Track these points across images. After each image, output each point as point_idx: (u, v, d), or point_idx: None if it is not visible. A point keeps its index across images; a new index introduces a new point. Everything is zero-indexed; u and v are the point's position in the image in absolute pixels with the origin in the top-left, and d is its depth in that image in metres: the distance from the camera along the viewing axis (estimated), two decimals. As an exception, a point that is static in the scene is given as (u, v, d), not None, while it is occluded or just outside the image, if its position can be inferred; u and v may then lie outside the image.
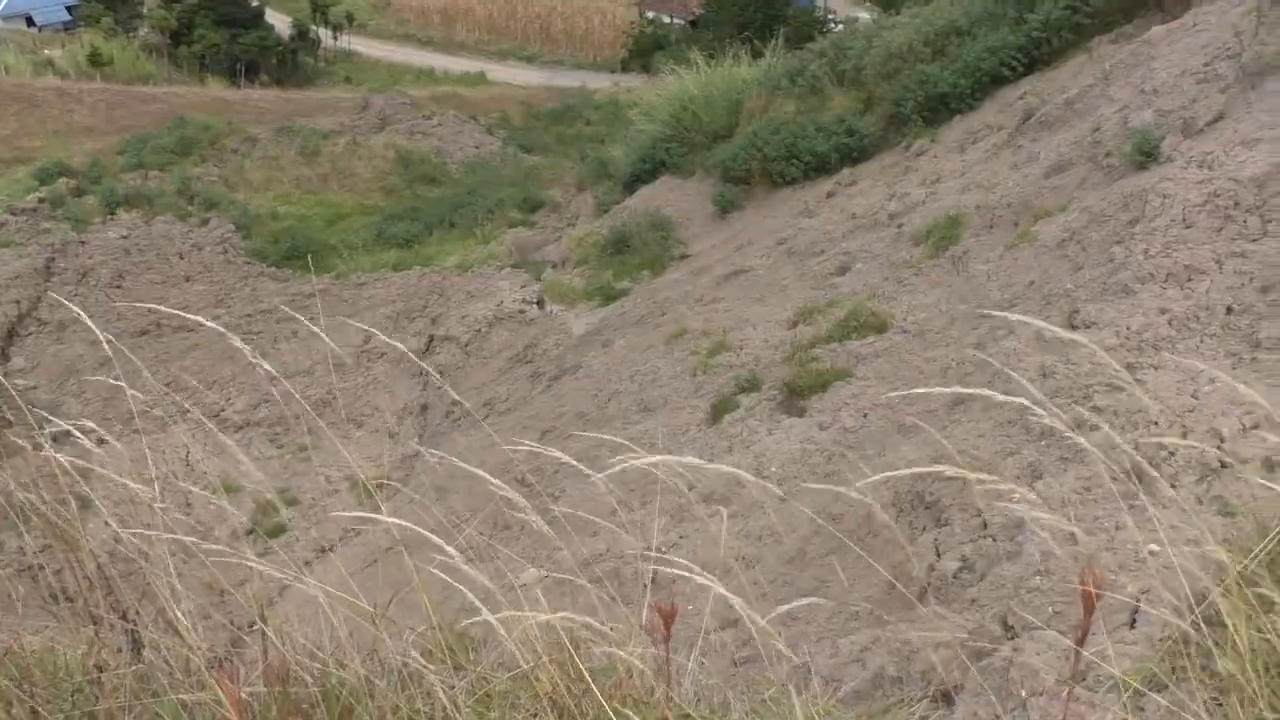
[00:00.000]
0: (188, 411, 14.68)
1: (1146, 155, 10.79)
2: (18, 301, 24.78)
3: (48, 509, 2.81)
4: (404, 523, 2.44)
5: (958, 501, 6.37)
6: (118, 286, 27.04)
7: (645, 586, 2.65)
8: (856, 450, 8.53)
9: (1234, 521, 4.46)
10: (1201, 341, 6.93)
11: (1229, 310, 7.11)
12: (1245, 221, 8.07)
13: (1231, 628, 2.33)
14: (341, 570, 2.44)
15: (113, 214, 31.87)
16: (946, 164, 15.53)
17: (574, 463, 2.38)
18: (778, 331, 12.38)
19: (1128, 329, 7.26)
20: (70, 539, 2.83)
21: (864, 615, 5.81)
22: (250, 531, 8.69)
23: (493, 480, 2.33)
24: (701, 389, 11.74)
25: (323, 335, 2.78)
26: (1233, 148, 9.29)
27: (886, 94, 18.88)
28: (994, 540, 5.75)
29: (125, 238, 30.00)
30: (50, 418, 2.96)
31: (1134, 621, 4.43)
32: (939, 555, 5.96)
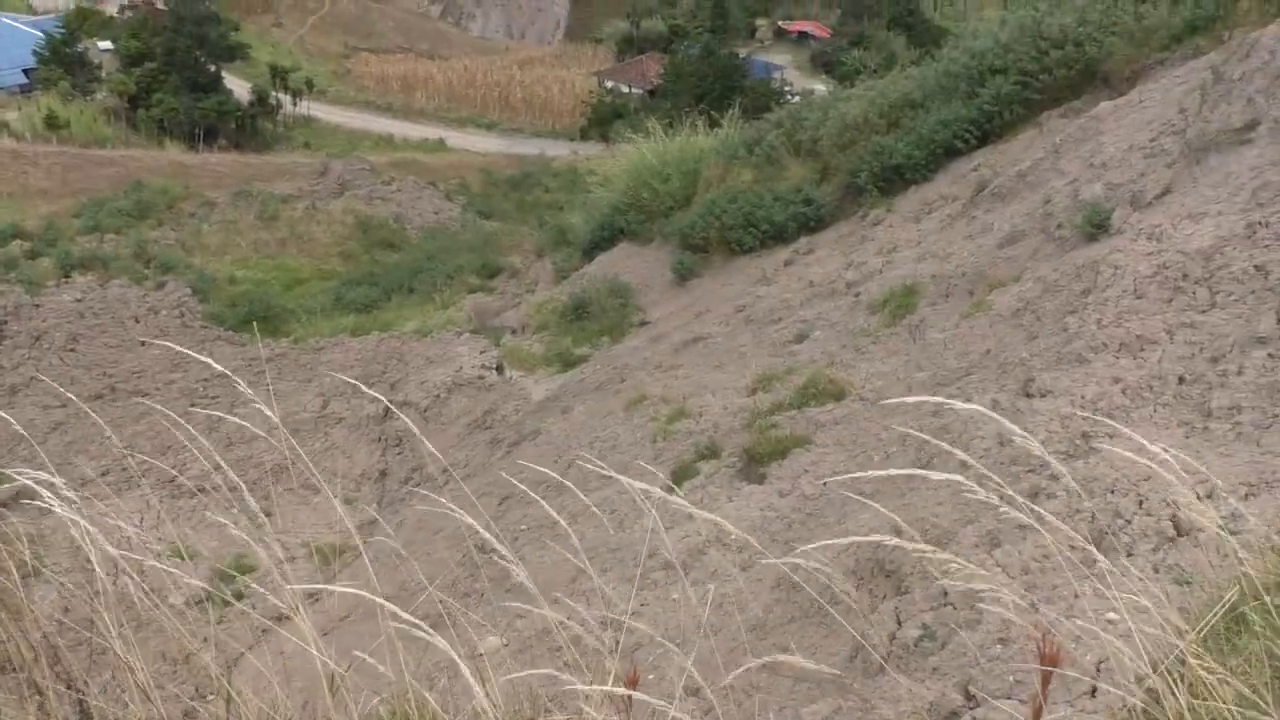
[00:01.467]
0: (142, 477, 14.46)
1: (1097, 227, 10.97)
2: (-32, 365, 24.45)
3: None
4: (360, 591, 2.40)
5: (918, 570, 6.36)
6: (71, 350, 26.73)
7: (608, 654, 2.62)
8: (816, 518, 8.52)
9: (1189, 590, 4.49)
10: (1155, 410, 7.00)
11: (1181, 380, 7.20)
12: (1194, 293, 8.20)
13: (1170, 706, 2.34)
14: (302, 636, 2.40)
15: (67, 277, 31.58)
16: (902, 234, 15.72)
17: (555, 515, 2.36)
18: (737, 399, 12.40)
19: (1083, 398, 7.33)
20: (13, 607, 2.77)
21: (826, 684, 5.77)
22: (205, 599, 8.54)
23: (483, 529, 2.31)
24: (661, 455, 11.71)
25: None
26: (1180, 221, 9.46)
27: (842, 164, 19.12)
28: (954, 608, 5.75)
29: (80, 301, 29.70)
30: (5, 471, 2.90)
31: (1094, 691, 4.42)
32: (900, 624, 5.94)
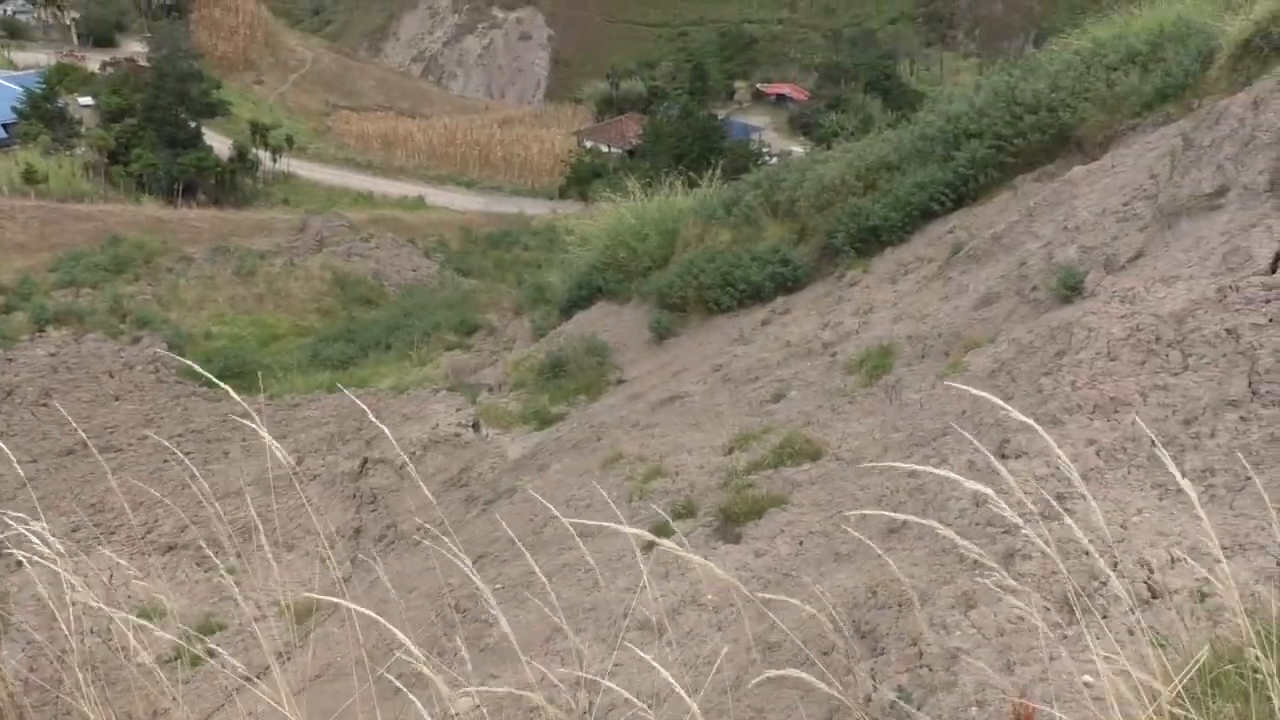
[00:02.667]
0: (113, 533, 14.33)
1: (1071, 290, 11.07)
2: (-61, 419, 24.25)
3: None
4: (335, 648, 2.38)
5: (893, 630, 6.35)
6: (43, 405, 26.54)
7: (580, 716, 2.61)
8: (792, 578, 8.50)
9: (1164, 653, 4.48)
10: (1129, 472, 7.04)
11: (1154, 443, 7.24)
12: (1167, 355, 8.27)
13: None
14: (276, 695, 2.38)
15: (42, 331, 31.45)
16: (878, 294, 15.81)
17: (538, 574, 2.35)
18: (713, 458, 12.39)
19: (1057, 460, 7.36)
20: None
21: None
22: (175, 658, 8.43)
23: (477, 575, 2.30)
24: (637, 515, 11.67)
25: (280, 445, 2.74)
26: (1153, 284, 9.56)
27: (819, 225, 19.23)
28: (930, 670, 5.73)
29: (54, 355, 29.55)
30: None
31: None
32: (876, 685, 5.92)
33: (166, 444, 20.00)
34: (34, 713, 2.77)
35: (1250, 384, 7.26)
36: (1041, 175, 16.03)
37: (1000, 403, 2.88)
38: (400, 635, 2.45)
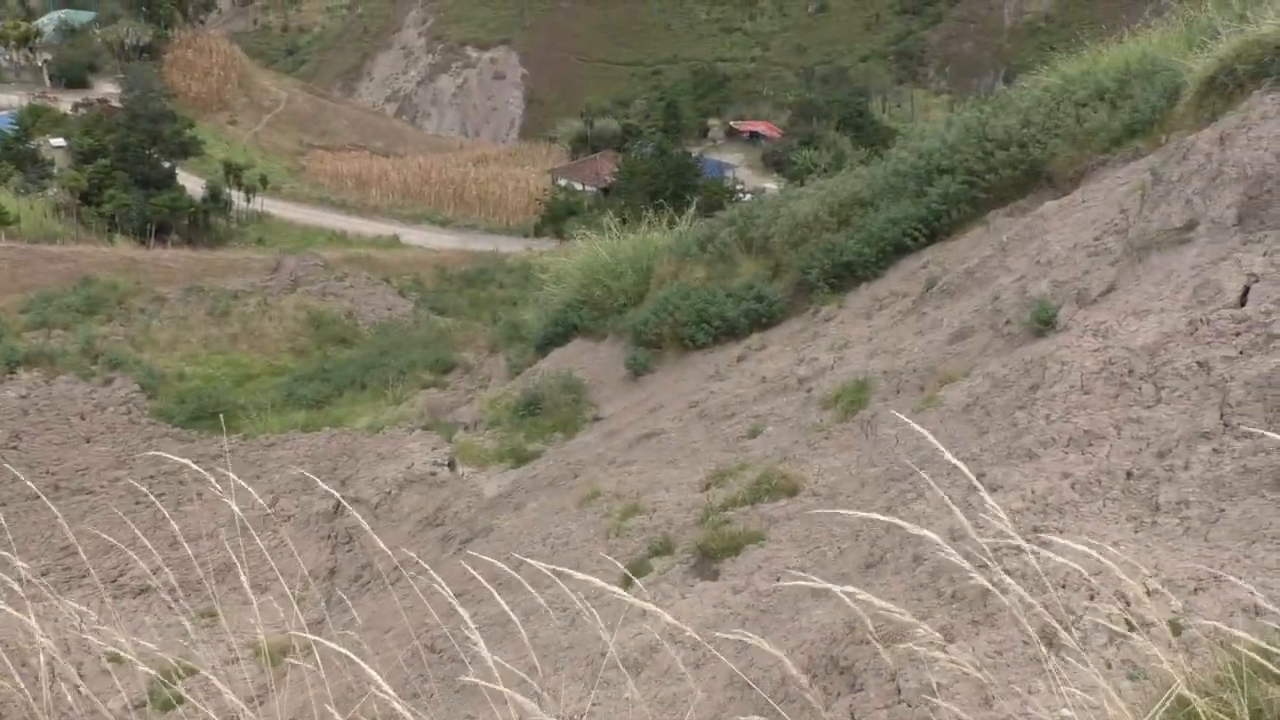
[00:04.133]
0: (84, 577, 14.17)
1: (1044, 324, 11.13)
2: (-93, 462, 23.97)
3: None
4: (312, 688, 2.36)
5: (871, 666, 6.33)
6: (13, 448, 26.31)
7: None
8: (770, 614, 8.48)
9: (1141, 685, 4.49)
10: (1104, 505, 7.06)
11: (1129, 475, 7.27)
12: (1140, 389, 8.32)
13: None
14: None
15: (12, 373, 31.18)
16: (853, 330, 15.86)
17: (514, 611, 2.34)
18: (690, 494, 12.38)
19: (1033, 492, 7.38)
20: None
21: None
22: (145, 703, 8.32)
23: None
24: (614, 552, 11.64)
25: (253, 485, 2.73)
26: (1125, 318, 9.63)
27: (794, 261, 19.29)
28: (909, 705, 5.71)
29: (24, 397, 29.31)
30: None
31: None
32: (854, 722, 5.90)
33: (139, 486, 19.84)
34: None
35: (1222, 416, 7.31)
36: (1014, 210, 16.15)
37: (939, 446, 2.90)
38: (374, 675, 2.43)
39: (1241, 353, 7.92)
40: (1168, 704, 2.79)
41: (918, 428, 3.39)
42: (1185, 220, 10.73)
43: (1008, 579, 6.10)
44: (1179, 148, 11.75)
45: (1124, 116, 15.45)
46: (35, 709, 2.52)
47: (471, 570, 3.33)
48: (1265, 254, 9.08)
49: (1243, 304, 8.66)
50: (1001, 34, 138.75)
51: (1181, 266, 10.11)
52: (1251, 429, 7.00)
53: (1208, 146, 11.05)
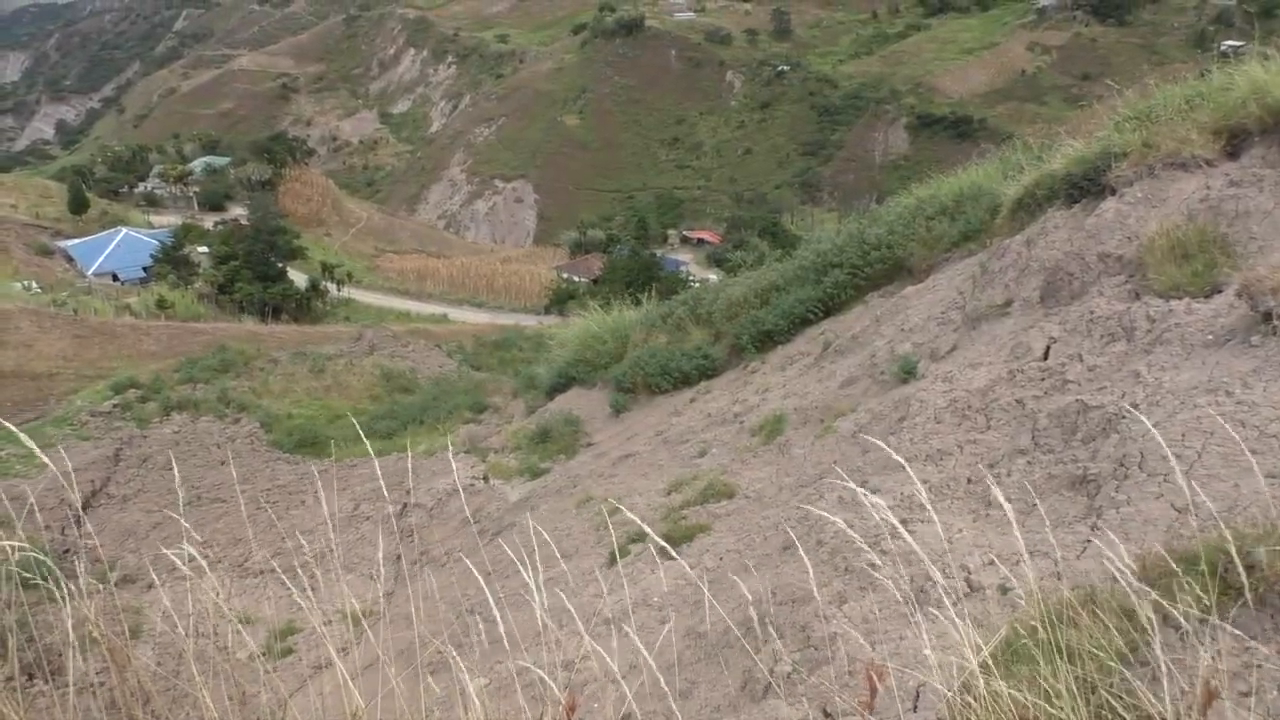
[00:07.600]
0: (218, 563, 13.95)
1: (908, 373, 11.19)
2: (93, 480, 23.68)
3: (105, 640, 2.65)
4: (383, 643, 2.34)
5: (789, 620, 6.30)
6: (169, 469, 25.96)
7: (560, 689, 2.57)
8: (716, 584, 8.43)
9: (982, 631, 4.49)
10: (952, 503, 7.08)
11: (969, 480, 7.30)
12: (976, 419, 8.37)
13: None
14: (337, 680, 2.33)
15: (168, 415, 30.85)
16: (772, 379, 15.89)
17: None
18: (657, 498, 12.32)
19: (901, 494, 7.40)
20: (120, 662, 2.66)
21: (724, 708, 5.64)
22: (264, 653, 8.17)
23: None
24: (602, 541, 11.56)
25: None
26: (964, 369, 9.71)
27: (730, 330, 19.35)
28: (816, 649, 5.69)
29: (176, 433, 28.99)
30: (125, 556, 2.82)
31: (916, 706, 4.38)
32: (777, 661, 5.86)
33: (259, 496, 19.59)
34: (159, 696, 2.69)
35: (1033, 438, 7.37)
36: (885, 293, 16.27)
37: (834, 462, 2.92)
38: (425, 633, 2.42)
39: (1046, 393, 8.00)
40: (999, 641, 2.80)
41: (819, 449, 3.41)
42: (1004, 299, 10.85)
43: (884, 557, 6.11)
44: (999, 248, 11.91)
45: (960, 226, 15.63)
46: (189, 656, 2.49)
47: (510, 552, 3.31)
48: (1060, 322, 9.19)
49: (1046, 358, 8.75)
50: (874, 168, 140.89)
51: (1003, 332, 10.22)
52: (1053, 447, 7.06)
53: (1019, 248, 11.21)
